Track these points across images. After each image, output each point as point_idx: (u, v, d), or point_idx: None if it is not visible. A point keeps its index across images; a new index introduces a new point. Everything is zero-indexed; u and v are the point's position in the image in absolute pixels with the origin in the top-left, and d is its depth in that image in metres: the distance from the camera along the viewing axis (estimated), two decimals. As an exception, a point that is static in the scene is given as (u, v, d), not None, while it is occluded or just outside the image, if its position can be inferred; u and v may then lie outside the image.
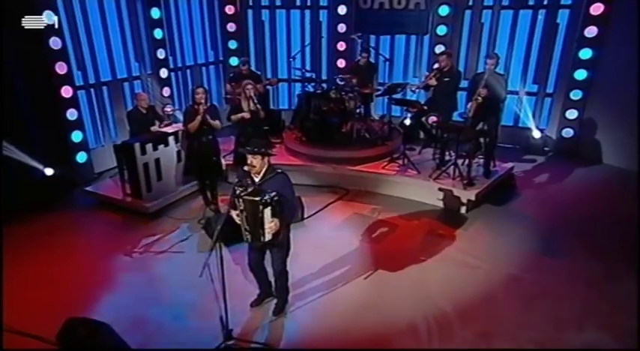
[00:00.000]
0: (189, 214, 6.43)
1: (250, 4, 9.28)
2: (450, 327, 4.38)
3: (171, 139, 6.52)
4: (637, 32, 6.90)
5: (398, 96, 7.59)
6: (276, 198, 3.84)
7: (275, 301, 4.56)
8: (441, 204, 6.53)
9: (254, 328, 4.35)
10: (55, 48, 6.64)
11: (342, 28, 8.94)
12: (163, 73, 8.35)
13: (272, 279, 4.52)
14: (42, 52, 6.50)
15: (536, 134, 8.25)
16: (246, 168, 3.96)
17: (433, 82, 6.58)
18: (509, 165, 7.10)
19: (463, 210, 6.36)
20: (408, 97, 7.97)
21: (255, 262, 4.41)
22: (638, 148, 7.03)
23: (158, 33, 8.05)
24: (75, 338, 3.88)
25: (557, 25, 7.93)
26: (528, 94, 8.38)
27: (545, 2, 7.91)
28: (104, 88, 7.64)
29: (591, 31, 7.54)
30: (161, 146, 6.42)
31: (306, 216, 6.28)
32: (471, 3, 8.28)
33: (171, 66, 8.58)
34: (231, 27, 9.30)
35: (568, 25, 7.85)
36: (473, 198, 6.22)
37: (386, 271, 5.17)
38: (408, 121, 8.27)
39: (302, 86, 8.87)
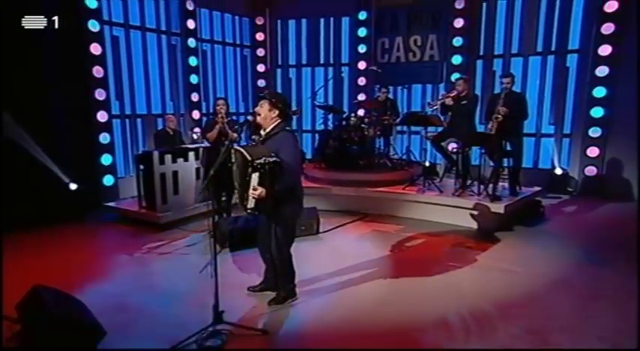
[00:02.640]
0: (200, 228, 5.59)
1: (279, 63, 9.35)
2: (491, 322, 3.22)
3: (191, 154, 5.99)
4: (637, 36, 6.35)
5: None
6: (269, 166, 2.99)
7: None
8: (465, 224, 5.51)
9: (252, 316, 3.31)
10: (98, 76, 6.53)
11: (362, 81, 8.79)
12: (195, 114, 8.14)
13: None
14: (85, 77, 6.38)
15: (559, 171, 7.32)
16: (250, 117, 3.30)
17: (449, 101, 5.94)
18: (536, 188, 6.12)
19: (491, 228, 5.30)
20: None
21: (260, 237, 3.54)
22: (638, 159, 6.21)
23: (194, 78, 8.00)
24: (38, 306, 2.96)
25: (568, 68, 7.45)
26: (545, 135, 7.65)
27: (553, 49, 7.53)
28: (138, 120, 7.38)
29: (602, 71, 7.01)
30: (180, 160, 5.86)
31: (322, 230, 5.37)
32: (482, 53, 8.01)
33: (204, 110, 8.38)
34: (261, 83, 9.31)
35: (578, 68, 7.36)
36: (502, 211, 5.21)
37: (409, 274, 4.13)
38: (427, 163, 7.62)
39: (323, 125, 8.38)
